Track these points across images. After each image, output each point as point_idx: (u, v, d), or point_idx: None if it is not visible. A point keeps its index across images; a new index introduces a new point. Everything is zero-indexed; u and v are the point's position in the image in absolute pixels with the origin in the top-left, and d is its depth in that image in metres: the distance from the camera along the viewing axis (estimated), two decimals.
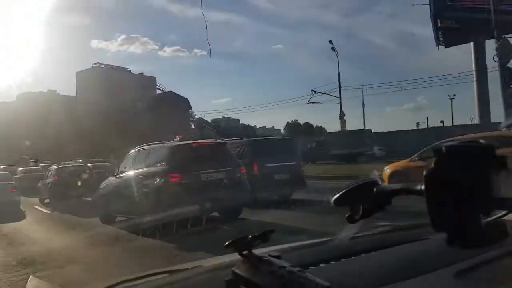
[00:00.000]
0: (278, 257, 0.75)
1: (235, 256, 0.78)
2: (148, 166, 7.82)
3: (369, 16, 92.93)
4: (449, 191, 0.57)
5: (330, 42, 29.97)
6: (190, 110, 56.73)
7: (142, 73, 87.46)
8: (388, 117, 79.78)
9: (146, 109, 59.14)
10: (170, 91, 57.61)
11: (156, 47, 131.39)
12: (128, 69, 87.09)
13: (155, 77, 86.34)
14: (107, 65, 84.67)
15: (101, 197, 9.23)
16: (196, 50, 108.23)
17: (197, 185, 7.15)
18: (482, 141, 0.60)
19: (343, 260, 0.99)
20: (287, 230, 5.09)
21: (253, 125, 56.86)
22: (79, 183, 14.85)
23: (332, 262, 0.98)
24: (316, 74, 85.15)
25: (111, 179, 9.05)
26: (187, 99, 57.53)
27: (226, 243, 0.79)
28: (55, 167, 15.58)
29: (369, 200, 0.79)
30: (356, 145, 24.73)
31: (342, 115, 30.41)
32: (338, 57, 30.71)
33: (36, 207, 14.66)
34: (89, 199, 14.97)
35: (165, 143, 8.50)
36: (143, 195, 7.43)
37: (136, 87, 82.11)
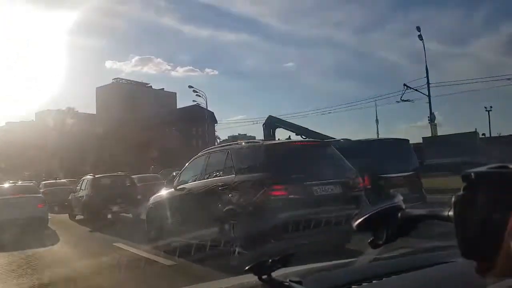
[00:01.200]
0: (299, 282, 0.81)
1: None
2: (230, 174, 5.66)
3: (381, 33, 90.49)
4: (479, 219, 0.57)
5: (418, 28, 24.53)
6: (215, 124, 54.50)
7: (163, 89, 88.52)
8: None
9: (170, 123, 58.42)
10: (196, 104, 55.85)
11: (169, 67, 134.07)
12: (149, 85, 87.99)
13: (176, 93, 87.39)
14: (128, 80, 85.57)
15: (153, 214, 7.28)
16: (207, 70, 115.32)
17: (310, 202, 5.06)
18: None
19: (364, 284, 0.99)
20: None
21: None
22: (119, 196, 12.17)
23: (353, 286, 1.00)
24: (327, 91, 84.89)
25: (168, 192, 7.07)
26: (212, 112, 55.48)
27: (246, 268, 0.87)
28: (91, 177, 12.95)
29: (393, 225, 0.78)
30: (463, 152, 19.43)
31: (432, 118, 25.71)
32: (424, 46, 25.70)
33: (67, 225, 12.12)
34: (130, 215, 12.40)
35: (257, 141, 6.81)
36: (228, 215, 5.33)
37: (157, 102, 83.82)
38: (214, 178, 5.90)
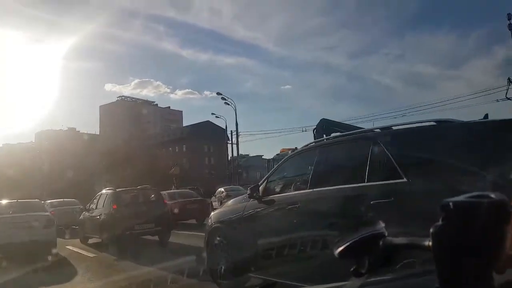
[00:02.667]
0: None
1: None
2: (395, 177, 3.13)
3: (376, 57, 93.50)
4: (458, 249, 0.57)
5: (508, 16, 21.51)
6: (227, 141, 52.22)
7: (169, 107, 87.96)
8: None
9: (180, 140, 56.52)
10: (208, 120, 54.15)
11: (168, 90, 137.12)
12: (154, 103, 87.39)
13: (182, 111, 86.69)
14: (133, 98, 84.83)
15: (223, 238, 4.90)
16: (206, 92, 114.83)
17: None
18: (493, 195, 0.57)
19: None
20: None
21: None
22: (146, 215, 9.53)
23: None
24: (323, 112, 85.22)
25: (244, 205, 4.78)
26: (224, 129, 53.55)
27: None
28: (110, 191, 10.39)
29: (376, 254, 0.77)
30: None
31: None
32: None
33: (80, 251, 9.39)
34: (156, 238, 9.79)
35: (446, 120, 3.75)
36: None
37: (163, 120, 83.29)
38: (360, 184, 3.40)
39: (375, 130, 3.93)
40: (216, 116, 31.53)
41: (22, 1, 74.56)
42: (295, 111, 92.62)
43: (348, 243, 0.81)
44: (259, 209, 4.47)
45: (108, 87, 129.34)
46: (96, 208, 10.40)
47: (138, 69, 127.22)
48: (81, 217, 11.27)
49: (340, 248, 0.81)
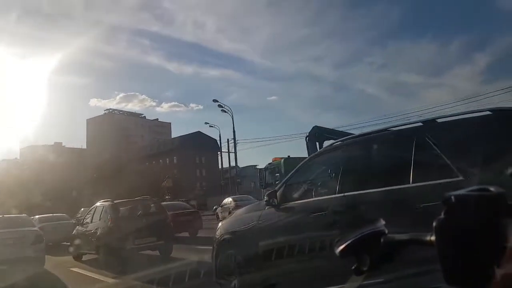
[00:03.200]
0: None
1: None
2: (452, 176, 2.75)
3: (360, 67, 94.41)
4: (461, 242, 0.58)
5: None
6: (218, 152, 51.70)
7: (157, 119, 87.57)
8: None
9: (170, 152, 55.66)
10: (198, 131, 53.58)
11: (154, 103, 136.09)
12: (142, 115, 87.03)
13: (170, 123, 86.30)
14: (120, 111, 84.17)
15: (236, 252, 4.36)
16: (192, 105, 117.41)
17: None
18: (492, 188, 0.59)
19: None
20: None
21: None
22: (146, 228, 8.99)
23: None
24: (311, 123, 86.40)
25: (260, 213, 4.24)
26: (215, 140, 53.05)
27: None
28: (108, 203, 9.66)
29: (376, 251, 0.78)
30: None
31: None
32: None
33: (74, 269, 8.74)
34: (157, 252, 9.30)
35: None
36: None
37: (151, 133, 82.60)
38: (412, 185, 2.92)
39: (415, 123, 3.40)
40: (210, 126, 31.05)
41: (8, 18, 73.62)
42: (282, 122, 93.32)
43: (348, 242, 0.82)
44: (277, 218, 4.03)
45: (93, 102, 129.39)
46: (91, 222, 9.78)
47: (123, 84, 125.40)
48: (74, 232, 10.65)
49: (341, 247, 0.82)
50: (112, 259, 8.23)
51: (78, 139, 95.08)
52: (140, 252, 9.10)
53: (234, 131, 27.98)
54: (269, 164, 18.46)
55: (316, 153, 4.69)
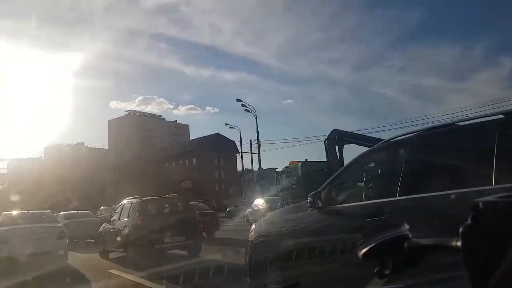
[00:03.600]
0: None
1: None
2: None
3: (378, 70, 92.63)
4: (488, 248, 0.57)
5: None
6: (237, 154, 51.64)
7: (175, 121, 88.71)
8: None
9: (189, 153, 56.05)
10: (217, 133, 53.68)
11: (171, 106, 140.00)
12: (162, 117, 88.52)
13: (188, 125, 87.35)
14: (141, 112, 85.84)
15: (274, 254, 3.99)
16: (208, 108, 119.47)
17: None
18: None
19: None
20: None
21: None
22: (175, 226, 8.78)
23: None
24: (326, 126, 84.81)
25: (297, 215, 4.01)
26: (233, 142, 53.00)
27: None
28: (136, 200, 9.39)
29: (399, 255, 0.79)
30: None
31: None
32: None
33: (102, 266, 8.57)
34: (185, 252, 9.08)
35: None
36: None
37: (170, 134, 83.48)
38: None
39: (494, 115, 2.85)
40: (230, 127, 30.70)
41: (31, 23, 76.53)
42: (298, 126, 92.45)
43: (372, 245, 0.82)
44: (321, 221, 3.75)
45: (113, 104, 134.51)
46: (119, 219, 9.55)
47: (142, 86, 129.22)
48: (101, 229, 10.51)
49: (364, 250, 0.83)
50: (140, 257, 8.09)
51: (99, 140, 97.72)
52: (168, 251, 8.94)
53: (257, 131, 26.95)
54: (285, 167, 18.12)
55: (368, 150, 4.29)
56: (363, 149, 17.88)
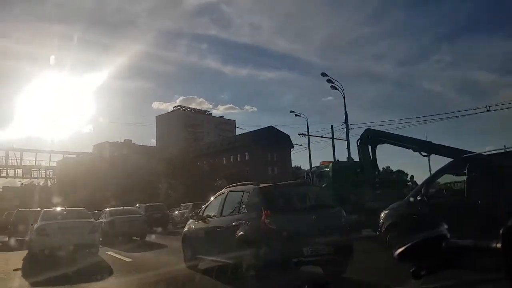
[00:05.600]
0: None
1: None
2: None
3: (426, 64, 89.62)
4: None
5: None
6: (291, 149, 49.04)
7: (222, 116, 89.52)
8: None
9: (242, 148, 54.88)
10: (270, 126, 51.55)
11: (211, 106, 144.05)
12: (208, 112, 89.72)
13: (235, 120, 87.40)
14: (188, 108, 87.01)
15: None
16: (247, 107, 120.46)
17: None
18: None
19: None
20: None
21: None
22: (319, 230, 5.55)
23: None
24: (370, 123, 78.88)
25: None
26: (288, 136, 50.49)
27: None
28: (252, 186, 6.45)
29: (437, 256, 0.80)
30: None
31: None
32: None
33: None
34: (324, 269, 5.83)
35: None
36: None
37: (217, 130, 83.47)
38: None
39: None
40: (296, 114, 27.91)
41: (78, 27, 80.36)
42: (340, 123, 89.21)
43: (408, 245, 0.83)
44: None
45: (156, 105, 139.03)
46: (221, 213, 6.70)
47: (182, 87, 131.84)
48: (186, 228, 7.79)
49: (400, 250, 0.83)
50: (262, 274, 5.39)
51: (145, 140, 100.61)
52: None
53: (346, 113, 22.24)
54: (316, 167, 17.97)
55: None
56: (397, 149, 15.54)
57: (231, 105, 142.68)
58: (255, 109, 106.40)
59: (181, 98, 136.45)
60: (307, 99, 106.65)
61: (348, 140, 22.30)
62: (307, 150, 28.03)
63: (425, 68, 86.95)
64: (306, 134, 27.26)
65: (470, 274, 1.02)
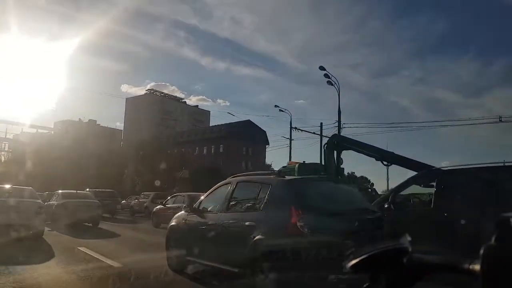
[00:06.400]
0: None
1: None
2: None
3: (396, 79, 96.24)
4: None
5: None
6: (266, 146, 49.00)
7: (197, 106, 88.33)
8: None
9: (216, 139, 54.08)
10: (248, 120, 51.22)
11: (183, 95, 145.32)
12: (183, 100, 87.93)
13: (210, 111, 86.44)
14: (162, 93, 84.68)
15: None
16: (219, 100, 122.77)
17: None
18: None
19: None
20: None
21: None
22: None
23: None
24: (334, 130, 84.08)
25: None
26: (265, 132, 50.10)
27: None
28: (278, 178, 5.27)
29: (396, 271, 0.74)
30: None
31: None
32: None
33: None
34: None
35: None
36: None
37: (191, 119, 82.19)
38: None
39: None
40: (280, 110, 27.39)
41: None
42: (307, 127, 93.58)
43: (363, 256, 0.76)
44: None
45: (125, 87, 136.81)
46: (227, 208, 5.42)
47: (155, 73, 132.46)
48: (174, 222, 6.32)
49: (354, 261, 0.77)
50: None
51: (110, 122, 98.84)
52: None
53: (339, 110, 21.46)
54: (283, 167, 18.97)
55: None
56: (361, 156, 16.60)
57: (204, 96, 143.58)
58: (227, 103, 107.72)
59: (152, 83, 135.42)
60: (281, 99, 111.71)
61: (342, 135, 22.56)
62: (285, 149, 28.44)
63: (394, 82, 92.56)
64: (300, 129, 26.72)
65: None
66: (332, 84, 22.26)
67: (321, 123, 24.53)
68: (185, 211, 6.37)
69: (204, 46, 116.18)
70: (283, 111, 27.85)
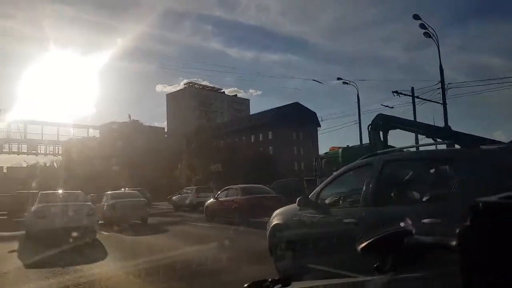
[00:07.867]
0: None
1: None
2: None
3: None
4: (486, 252, 0.58)
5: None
6: (318, 128, 47.48)
7: (236, 95, 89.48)
8: None
9: (263, 127, 53.46)
10: (296, 102, 50.87)
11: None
12: (222, 90, 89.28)
13: (249, 100, 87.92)
14: (200, 85, 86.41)
15: None
16: (251, 90, 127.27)
17: None
18: None
19: None
20: None
21: None
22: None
23: None
24: (376, 109, 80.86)
25: None
26: (315, 113, 48.47)
27: (245, 286, 0.97)
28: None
29: (400, 252, 0.84)
30: None
31: None
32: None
33: None
34: None
35: None
36: None
37: (231, 109, 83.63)
38: None
39: None
40: (344, 82, 25.99)
41: (79, 8, 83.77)
42: (347, 107, 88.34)
43: (371, 239, 0.87)
44: None
45: (159, 87, 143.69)
46: (373, 202, 4.01)
47: (186, 70, 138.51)
48: (279, 220, 5.41)
49: (363, 244, 0.88)
50: None
51: (148, 121, 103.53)
52: None
53: (441, 67, 19.39)
54: (325, 153, 19.21)
55: None
56: (408, 134, 16.18)
57: (235, 88, 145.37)
58: (259, 92, 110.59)
59: (185, 80, 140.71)
60: (312, 82, 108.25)
61: (444, 104, 20.10)
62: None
63: (433, 52, 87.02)
64: (402, 93, 22.82)
65: (428, 270, 1.05)
66: (430, 36, 20.39)
67: (412, 88, 22.86)
68: (299, 206, 5.09)
69: (231, 37, 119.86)
70: (347, 83, 26.49)
